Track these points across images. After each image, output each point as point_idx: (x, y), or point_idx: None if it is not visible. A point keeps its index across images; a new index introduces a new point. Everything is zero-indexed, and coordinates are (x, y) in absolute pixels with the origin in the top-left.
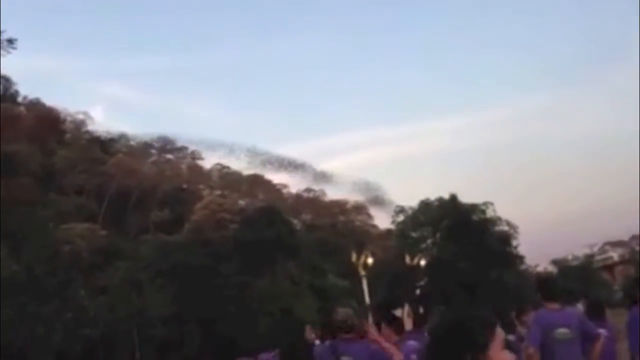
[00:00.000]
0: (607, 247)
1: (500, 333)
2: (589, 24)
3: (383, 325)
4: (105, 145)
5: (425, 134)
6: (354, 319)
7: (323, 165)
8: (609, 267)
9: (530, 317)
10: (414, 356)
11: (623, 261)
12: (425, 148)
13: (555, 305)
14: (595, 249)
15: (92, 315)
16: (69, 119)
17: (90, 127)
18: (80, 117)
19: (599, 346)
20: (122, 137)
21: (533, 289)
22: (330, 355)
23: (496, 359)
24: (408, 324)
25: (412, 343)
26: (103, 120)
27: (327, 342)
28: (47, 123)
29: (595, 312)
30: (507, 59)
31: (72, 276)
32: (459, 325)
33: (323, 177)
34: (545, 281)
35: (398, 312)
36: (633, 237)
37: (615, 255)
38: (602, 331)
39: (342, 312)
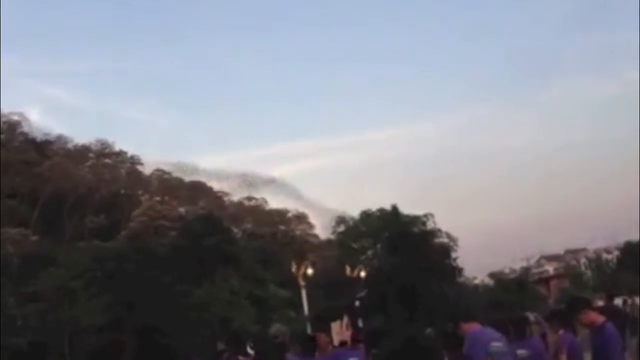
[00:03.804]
0: (543, 261)
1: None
2: (517, 40)
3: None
4: (41, 148)
5: (366, 145)
6: (284, 335)
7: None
8: (545, 281)
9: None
10: None
11: (558, 275)
12: (366, 159)
13: (477, 325)
14: (532, 262)
15: (20, 323)
16: (2, 119)
17: (26, 128)
18: (15, 118)
19: None
20: (59, 139)
21: (472, 302)
22: None
23: None
24: (347, 335)
25: None
26: (39, 122)
27: None
28: None
29: (516, 330)
30: (440, 71)
31: (1, 283)
32: (412, 349)
33: (263, 184)
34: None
35: (337, 324)
36: (568, 252)
37: (550, 269)
38: (521, 352)
39: (275, 328)
